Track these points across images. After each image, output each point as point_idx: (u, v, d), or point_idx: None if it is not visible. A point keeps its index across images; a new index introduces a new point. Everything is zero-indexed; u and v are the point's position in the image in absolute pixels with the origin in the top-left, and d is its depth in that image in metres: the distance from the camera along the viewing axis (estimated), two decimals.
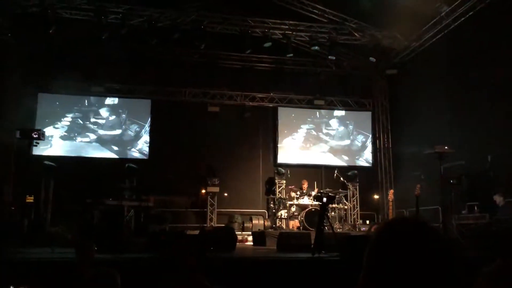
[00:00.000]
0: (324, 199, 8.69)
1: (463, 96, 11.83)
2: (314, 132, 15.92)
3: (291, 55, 14.63)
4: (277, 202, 13.00)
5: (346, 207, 13.28)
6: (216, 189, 14.22)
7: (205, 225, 13.63)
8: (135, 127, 14.57)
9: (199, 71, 14.73)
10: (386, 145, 16.04)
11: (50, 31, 12.08)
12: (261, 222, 14.08)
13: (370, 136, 16.13)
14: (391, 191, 11.83)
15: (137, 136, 14.54)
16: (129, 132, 14.52)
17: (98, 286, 2.43)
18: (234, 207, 14.58)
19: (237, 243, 9.70)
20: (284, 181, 14.37)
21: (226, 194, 14.92)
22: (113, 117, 14.53)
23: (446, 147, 10.15)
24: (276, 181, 14.74)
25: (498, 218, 9.02)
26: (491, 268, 1.35)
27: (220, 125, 14.82)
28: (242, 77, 15.00)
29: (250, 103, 15.54)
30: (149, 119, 14.57)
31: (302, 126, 15.88)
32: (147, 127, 14.54)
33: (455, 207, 10.61)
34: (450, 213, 10.46)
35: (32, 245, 8.00)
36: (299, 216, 12.03)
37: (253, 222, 14.06)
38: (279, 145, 15.52)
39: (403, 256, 1.02)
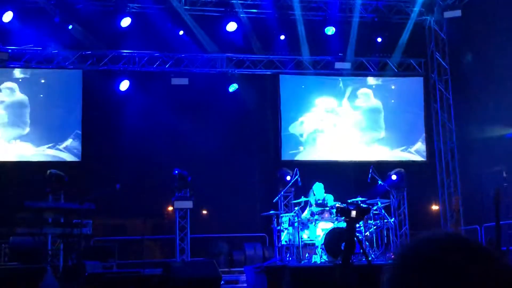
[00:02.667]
0: (353, 213, 8.54)
1: None
2: (336, 111, 15.85)
3: None
4: (283, 221, 12.76)
5: (388, 224, 13.03)
6: (189, 205, 14.03)
7: (173, 259, 13.42)
8: (60, 112, 14.44)
9: (155, 24, 14.43)
10: (448, 127, 15.85)
11: None
12: (259, 252, 14.02)
13: (423, 114, 16.02)
14: (457, 197, 11.61)
15: (63, 127, 14.42)
16: (51, 121, 14.40)
17: None
18: (217, 230, 14.56)
19: (223, 286, 9.79)
20: (293, 188, 14.17)
21: (205, 212, 14.88)
22: (24, 97, 14.36)
23: None
24: (280, 188, 14.51)
25: None
26: None
27: (191, 105, 14.77)
28: (223, 30, 14.73)
29: (237, 70, 15.39)
30: (81, 100, 14.43)
31: (317, 102, 15.81)
32: (78, 113, 14.41)
33: None
34: None
35: None
36: (317, 240, 11.81)
37: (247, 252, 13.95)
38: (283, 133, 15.43)
39: None
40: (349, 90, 16.02)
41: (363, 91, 16.06)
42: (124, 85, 14.63)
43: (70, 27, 13.94)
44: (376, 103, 16.03)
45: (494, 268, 1.12)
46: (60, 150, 14.29)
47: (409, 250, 1.19)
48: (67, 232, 11.09)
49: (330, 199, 12.50)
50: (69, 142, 14.34)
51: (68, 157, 14.26)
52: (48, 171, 12.83)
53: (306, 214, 12.39)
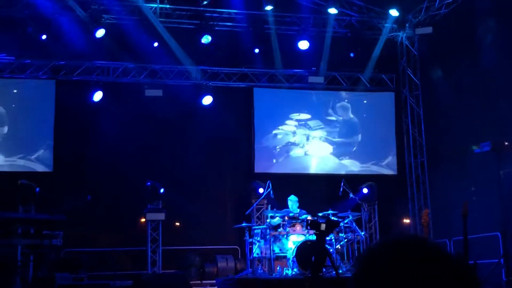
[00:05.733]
0: (323, 226, 8.52)
1: None
2: (309, 125, 15.94)
3: (272, 7, 14.36)
4: (255, 234, 12.75)
5: (359, 237, 13.09)
6: (161, 217, 14.04)
7: (144, 271, 13.41)
8: (32, 123, 14.34)
9: (129, 35, 14.39)
10: (418, 141, 16.01)
11: None
12: (231, 264, 13.98)
13: (394, 128, 16.18)
14: (426, 211, 11.69)
15: (35, 137, 14.31)
16: (21, 131, 14.28)
17: None
18: (189, 242, 14.46)
19: None
20: (266, 201, 14.18)
21: (177, 224, 14.72)
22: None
23: (506, 143, 10.09)
24: (253, 201, 14.51)
25: None
26: None
27: (165, 117, 14.66)
28: (197, 43, 14.72)
29: (211, 83, 15.39)
30: (54, 111, 14.35)
31: (291, 116, 15.91)
32: (50, 123, 14.32)
33: None
34: None
35: None
36: (288, 253, 11.81)
37: (219, 264, 13.91)
38: (256, 146, 15.49)
39: None
40: (322, 105, 16.14)
41: (342, 104, 16.22)
42: (98, 96, 14.52)
43: (44, 37, 13.84)
44: (352, 117, 16.17)
45: (449, 267, 1.18)
46: (32, 161, 14.17)
47: (368, 255, 1.24)
48: (37, 243, 10.94)
49: (302, 213, 12.53)
50: (40, 152, 14.23)
51: (39, 167, 14.14)
52: (19, 182, 12.74)
53: (276, 220, 12.38)
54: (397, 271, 1.16)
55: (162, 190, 13.99)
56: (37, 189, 12.68)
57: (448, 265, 1.18)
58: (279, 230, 12.29)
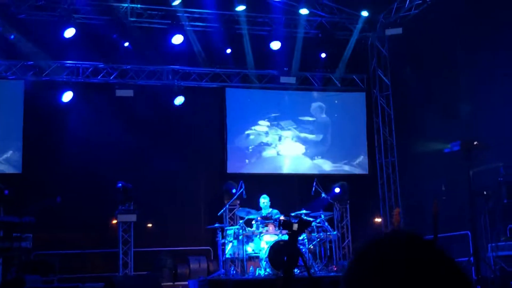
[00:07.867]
0: (295, 226, 8.51)
1: (503, 68, 11.87)
2: (281, 125, 15.96)
3: (243, 8, 14.34)
4: (228, 234, 12.69)
5: (331, 237, 13.12)
6: (133, 218, 13.89)
7: (115, 273, 13.25)
8: (0, 123, 14.05)
9: (100, 35, 14.23)
10: (389, 141, 16.12)
11: None
12: (204, 265, 13.94)
13: (365, 128, 16.24)
14: (397, 210, 11.77)
15: (3, 138, 14.10)
16: None
17: None
18: (161, 244, 14.36)
19: None
20: (238, 201, 14.15)
21: (149, 225, 14.62)
22: None
23: (476, 142, 10.14)
24: (226, 201, 14.46)
25: None
26: None
27: (136, 117, 14.59)
28: (168, 43, 14.70)
29: (183, 83, 15.32)
30: (22, 111, 14.13)
31: (263, 116, 15.89)
32: (19, 124, 14.10)
33: (492, 231, 10.63)
34: (484, 240, 10.46)
35: None
36: (261, 253, 11.77)
37: (191, 266, 13.86)
38: (229, 146, 15.45)
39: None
40: (294, 105, 16.19)
41: (318, 104, 16.28)
42: (67, 96, 14.34)
43: (12, 36, 13.62)
44: (324, 117, 16.23)
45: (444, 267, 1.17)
46: (0, 162, 13.98)
47: (364, 250, 1.23)
48: (6, 246, 10.88)
49: (275, 213, 12.51)
50: (9, 154, 14.04)
51: (8, 169, 13.95)
52: None
53: (252, 227, 12.35)
54: (388, 272, 1.14)
55: (133, 191, 13.87)
56: (6, 191, 12.51)
57: (443, 265, 1.17)
58: (252, 230, 12.27)
